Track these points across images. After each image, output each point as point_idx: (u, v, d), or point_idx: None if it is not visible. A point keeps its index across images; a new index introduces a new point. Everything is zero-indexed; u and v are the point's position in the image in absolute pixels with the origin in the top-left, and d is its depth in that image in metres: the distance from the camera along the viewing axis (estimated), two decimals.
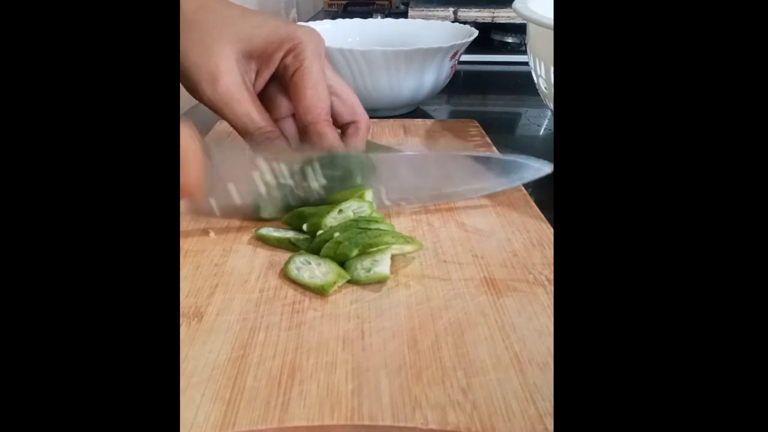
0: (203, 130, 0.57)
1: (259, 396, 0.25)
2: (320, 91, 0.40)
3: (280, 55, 0.40)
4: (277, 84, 0.43)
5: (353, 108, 0.43)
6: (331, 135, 0.40)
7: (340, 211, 0.35)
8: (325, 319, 0.30)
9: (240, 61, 0.40)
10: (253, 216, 0.39)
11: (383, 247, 0.33)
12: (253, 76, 0.42)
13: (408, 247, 0.34)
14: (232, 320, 0.29)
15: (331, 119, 0.41)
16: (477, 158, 0.42)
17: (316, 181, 0.37)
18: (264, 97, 0.42)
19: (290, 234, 0.36)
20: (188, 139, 0.32)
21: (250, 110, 0.39)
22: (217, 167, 0.36)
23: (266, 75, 0.42)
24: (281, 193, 0.38)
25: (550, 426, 0.23)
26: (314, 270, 0.32)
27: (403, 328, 0.29)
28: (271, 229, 0.37)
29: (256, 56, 0.41)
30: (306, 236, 0.36)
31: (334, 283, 0.31)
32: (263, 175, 0.37)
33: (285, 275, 0.33)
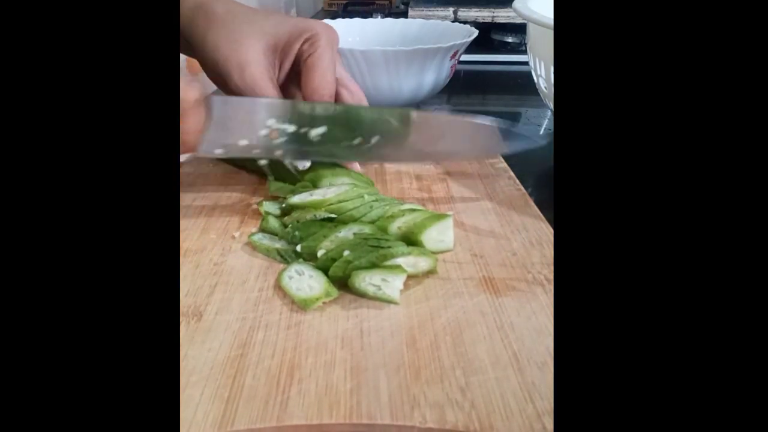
0: None
1: (258, 395, 0.25)
2: (328, 75, 0.42)
3: (299, 44, 0.43)
4: (296, 82, 0.45)
5: (360, 101, 0.46)
6: None
7: (339, 233, 0.34)
8: (323, 318, 0.30)
9: (266, 53, 0.43)
10: (252, 163, 0.43)
11: (397, 257, 0.32)
12: (276, 71, 0.45)
13: (423, 263, 0.33)
14: (231, 319, 0.29)
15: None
16: (469, 122, 0.43)
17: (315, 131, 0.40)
18: (283, 93, 0.45)
19: (278, 245, 0.35)
20: (188, 91, 0.35)
21: (273, 97, 0.42)
22: (226, 122, 0.39)
23: (287, 66, 0.45)
24: (286, 149, 0.40)
25: (549, 425, 0.23)
26: (303, 282, 0.32)
27: (401, 327, 0.29)
28: (263, 236, 0.36)
29: (279, 49, 0.44)
30: (294, 248, 0.35)
31: (317, 299, 0.30)
32: (272, 133, 0.40)
33: (278, 282, 0.32)
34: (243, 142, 0.39)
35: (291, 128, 0.40)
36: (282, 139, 0.40)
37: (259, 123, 0.39)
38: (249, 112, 0.39)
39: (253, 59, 0.42)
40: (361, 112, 0.42)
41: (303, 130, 0.40)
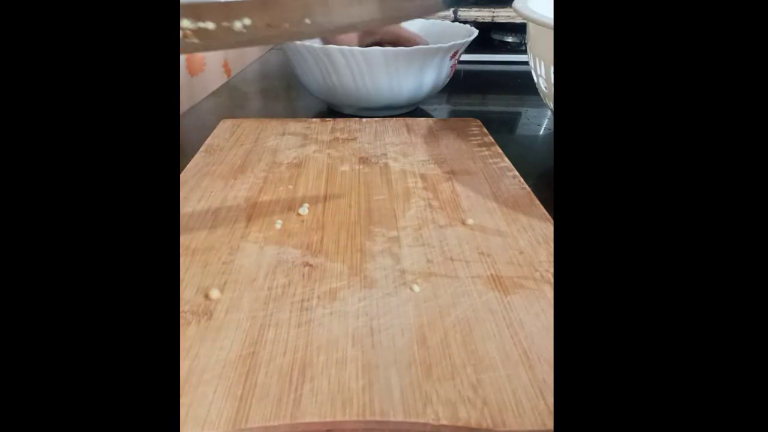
0: (205, 127, 0.57)
1: (271, 392, 0.25)
2: None
3: None
4: None
5: None
6: None
7: None
8: (333, 316, 0.30)
9: None
10: None
11: None
12: None
13: None
14: (242, 318, 0.30)
15: None
16: None
17: None
18: None
19: None
20: None
21: None
22: None
23: None
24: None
25: None
26: None
27: (411, 325, 0.29)
28: None
29: None
30: None
31: None
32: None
33: None
34: None
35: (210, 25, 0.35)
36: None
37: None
38: None
39: None
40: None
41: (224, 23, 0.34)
